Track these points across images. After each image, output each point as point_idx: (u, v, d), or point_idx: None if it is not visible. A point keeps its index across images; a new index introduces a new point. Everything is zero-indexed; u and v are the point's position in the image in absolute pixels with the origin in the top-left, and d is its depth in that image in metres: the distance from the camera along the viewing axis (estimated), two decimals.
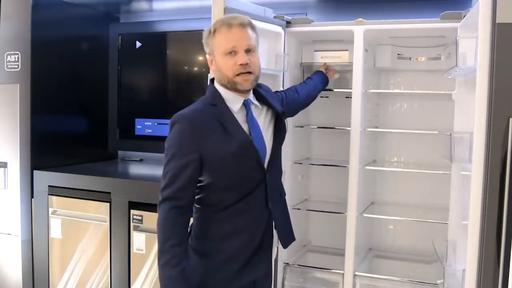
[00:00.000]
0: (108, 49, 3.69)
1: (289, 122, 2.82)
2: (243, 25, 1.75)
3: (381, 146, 3.05)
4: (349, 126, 2.61)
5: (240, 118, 1.80)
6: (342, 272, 2.66)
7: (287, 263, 2.84)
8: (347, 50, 2.83)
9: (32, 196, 3.11)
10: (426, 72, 2.89)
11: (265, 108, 1.91)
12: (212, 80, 1.86)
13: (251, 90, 1.84)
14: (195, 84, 3.46)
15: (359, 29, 2.56)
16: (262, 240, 1.84)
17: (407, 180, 2.97)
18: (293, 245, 3.03)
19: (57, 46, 3.33)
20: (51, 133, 3.30)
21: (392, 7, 2.99)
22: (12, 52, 3.13)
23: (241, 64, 1.73)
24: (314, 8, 3.27)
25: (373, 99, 2.90)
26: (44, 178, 3.09)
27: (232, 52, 1.73)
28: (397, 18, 2.67)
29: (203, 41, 1.81)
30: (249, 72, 1.75)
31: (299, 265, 2.86)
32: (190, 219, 1.75)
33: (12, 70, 3.13)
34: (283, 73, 2.69)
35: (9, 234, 3.15)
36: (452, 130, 2.39)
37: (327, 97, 3.14)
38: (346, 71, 2.92)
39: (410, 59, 2.89)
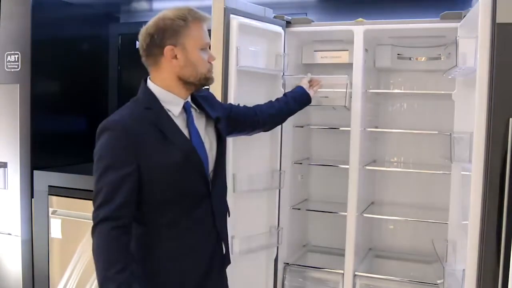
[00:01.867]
0: (108, 49, 3.69)
1: (289, 122, 2.82)
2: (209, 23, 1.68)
3: (381, 146, 3.05)
4: (349, 126, 2.61)
5: (180, 123, 1.61)
6: (342, 272, 2.66)
7: (287, 263, 2.84)
8: (347, 50, 2.83)
9: (32, 196, 3.11)
10: (426, 72, 2.89)
11: (203, 113, 1.72)
12: (145, 79, 1.66)
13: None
14: None
15: (359, 29, 2.56)
16: (211, 262, 1.65)
17: (407, 180, 2.97)
18: (293, 245, 3.05)
19: (57, 46, 3.32)
20: (51, 133, 3.30)
21: (392, 7, 2.99)
22: (12, 52, 3.12)
23: (210, 62, 1.65)
24: (314, 8, 3.27)
25: (373, 99, 2.90)
26: (44, 178, 3.08)
27: (205, 49, 1.63)
28: (397, 18, 2.67)
29: (165, 28, 1.56)
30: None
31: (299, 265, 2.86)
32: (131, 239, 1.53)
33: (12, 70, 3.12)
34: (283, 73, 2.69)
35: (9, 234, 3.15)
36: (452, 130, 2.39)
37: (327, 97, 3.13)
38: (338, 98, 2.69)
39: (410, 59, 2.89)
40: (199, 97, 1.72)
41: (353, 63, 2.59)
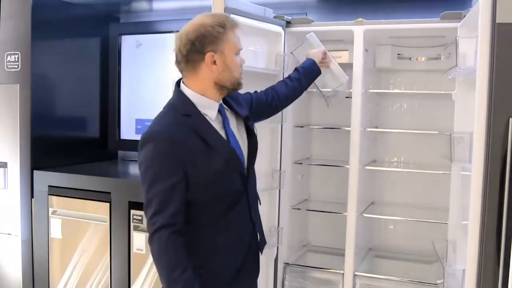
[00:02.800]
0: (108, 49, 3.69)
1: (289, 122, 2.83)
2: None
3: (381, 146, 3.05)
4: (349, 126, 2.61)
5: (217, 126, 1.68)
6: (342, 272, 2.66)
7: (287, 263, 2.84)
8: (347, 50, 2.83)
9: (32, 196, 3.11)
10: (426, 72, 2.89)
11: (233, 113, 1.80)
12: (178, 83, 1.70)
13: None
14: None
15: (359, 29, 2.56)
16: (248, 250, 1.76)
17: (407, 180, 2.97)
18: (293, 245, 3.05)
19: (57, 46, 3.32)
20: (51, 133, 3.30)
21: (392, 7, 2.99)
22: (12, 52, 3.12)
23: (242, 66, 1.73)
24: (314, 8, 3.27)
25: (373, 99, 2.90)
26: (44, 178, 3.09)
27: (238, 53, 1.72)
28: (397, 18, 2.67)
29: (206, 35, 1.60)
30: None
31: (299, 265, 2.86)
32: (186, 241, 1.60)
33: (12, 70, 3.13)
34: (283, 73, 2.69)
35: (9, 234, 3.15)
36: (452, 130, 2.39)
37: (327, 97, 3.14)
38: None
39: (410, 59, 2.89)
40: (227, 97, 1.79)
41: (353, 63, 2.59)
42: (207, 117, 1.65)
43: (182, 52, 1.63)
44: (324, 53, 2.42)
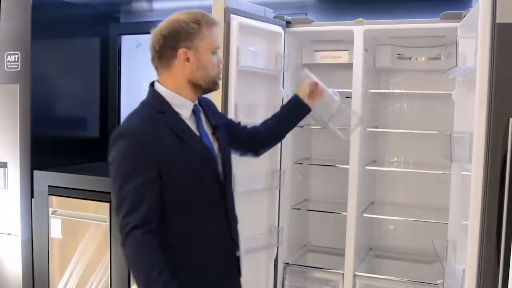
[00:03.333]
0: (108, 49, 3.69)
1: None
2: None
3: (381, 146, 3.05)
4: (349, 126, 2.60)
5: (191, 125, 1.62)
6: (342, 272, 2.66)
7: (287, 263, 2.84)
8: (347, 50, 2.83)
9: (32, 196, 3.11)
10: (426, 72, 2.89)
11: (206, 121, 1.72)
12: (152, 83, 1.65)
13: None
14: None
15: (359, 29, 2.56)
16: (227, 266, 1.70)
17: (407, 180, 2.97)
18: (293, 245, 3.05)
19: (57, 46, 3.32)
20: (51, 133, 3.30)
21: (392, 7, 2.99)
22: (12, 52, 3.12)
23: (219, 66, 1.67)
24: (314, 8, 3.27)
25: (373, 99, 2.90)
26: (44, 178, 3.08)
27: (215, 52, 1.64)
28: (397, 18, 2.68)
29: (180, 30, 1.57)
30: None
31: (299, 265, 2.86)
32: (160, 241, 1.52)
33: (12, 70, 3.12)
34: (283, 73, 2.69)
35: (9, 234, 3.15)
36: (452, 130, 2.39)
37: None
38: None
39: (410, 59, 2.89)
40: (202, 102, 1.74)
41: (353, 63, 2.59)
42: (181, 116, 1.60)
43: (155, 47, 1.60)
44: (315, 84, 2.10)
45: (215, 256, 1.64)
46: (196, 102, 1.68)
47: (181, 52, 1.57)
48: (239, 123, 2.02)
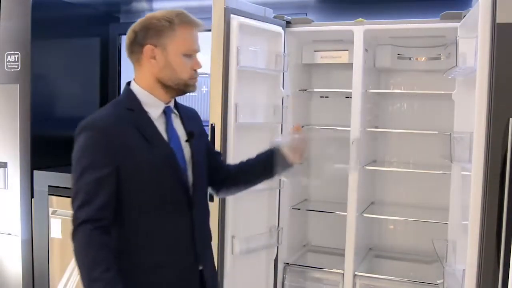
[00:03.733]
0: (108, 49, 3.69)
1: (289, 122, 2.82)
2: (201, 30, 1.59)
3: (381, 146, 3.05)
4: (349, 126, 2.61)
5: (159, 126, 1.56)
6: (342, 272, 2.66)
7: (287, 263, 2.84)
8: (347, 50, 2.83)
9: (32, 196, 3.11)
10: (426, 72, 2.89)
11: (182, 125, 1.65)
12: (129, 82, 1.61)
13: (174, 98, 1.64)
14: None
15: (359, 29, 2.56)
16: (187, 281, 1.56)
17: (407, 180, 2.97)
18: (293, 245, 3.05)
19: (57, 46, 3.32)
20: (51, 133, 3.30)
21: (392, 7, 2.99)
22: (12, 52, 3.12)
23: (195, 69, 1.57)
24: (314, 8, 3.27)
25: (373, 99, 2.90)
26: (44, 178, 3.08)
27: (191, 55, 1.56)
28: (397, 18, 2.68)
29: (149, 27, 1.53)
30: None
31: (299, 265, 2.86)
32: (112, 239, 1.46)
33: (12, 70, 3.12)
34: (283, 73, 2.69)
35: (9, 234, 3.15)
36: (452, 130, 2.39)
37: (327, 97, 3.14)
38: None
39: (410, 59, 2.89)
40: (183, 107, 1.68)
41: (353, 63, 2.59)
42: (149, 115, 1.55)
43: (127, 43, 1.57)
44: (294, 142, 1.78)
45: (169, 268, 1.53)
46: (170, 104, 1.61)
47: (147, 48, 1.53)
48: (218, 152, 1.92)
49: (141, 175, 1.48)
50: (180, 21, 1.54)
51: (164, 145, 1.54)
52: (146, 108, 1.55)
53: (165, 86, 1.57)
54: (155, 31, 1.52)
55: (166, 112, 1.59)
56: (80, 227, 1.40)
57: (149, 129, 1.52)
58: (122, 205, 1.48)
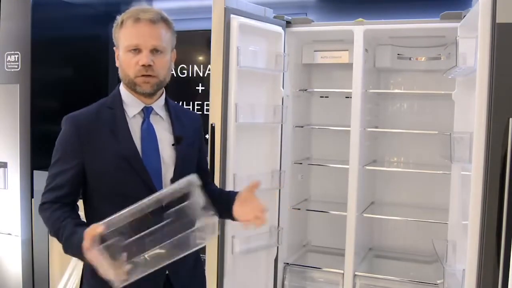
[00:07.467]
0: (108, 49, 3.68)
1: (289, 122, 2.83)
2: (153, 21, 1.53)
3: (381, 146, 3.05)
4: (349, 126, 2.61)
5: (134, 125, 1.54)
6: (342, 272, 2.66)
7: (287, 263, 2.84)
8: (347, 50, 2.83)
9: (32, 196, 3.11)
10: (426, 72, 2.89)
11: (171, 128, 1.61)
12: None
13: (160, 99, 1.61)
14: (194, 84, 3.46)
15: (359, 29, 2.56)
16: (153, 283, 1.49)
17: (407, 180, 2.97)
18: (293, 245, 3.05)
19: (57, 46, 3.32)
20: (51, 133, 3.27)
21: (392, 7, 2.99)
22: (12, 52, 3.12)
23: (143, 65, 1.50)
24: (314, 8, 3.27)
25: (373, 99, 2.90)
26: (44, 178, 3.04)
27: (136, 50, 1.51)
28: (397, 18, 2.68)
29: (113, 29, 1.60)
30: (150, 75, 1.52)
31: (299, 265, 2.86)
32: (76, 213, 1.55)
33: (12, 70, 3.13)
34: (283, 73, 2.69)
35: (9, 234, 3.15)
36: (452, 130, 2.39)
37: (327, 97, 3.14)
38: None
39: (410, 59, 2.89)
40: (179, 110, 1.67)
41: (353, 63, 2.59)
42: (126, 113, 1.56)
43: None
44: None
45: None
46: (153, 104, 1.58)
47: (115, 49, 1.61)
48: (206, 171, 1.84)
49: (102, 169, 1.51)
50: (127, 17, 1.56)
51: (129, 142, 1.52)
52: (125, 107, 1.58)
53: (125, 85, 1.60)
54: (114, 32, 1.60)
55: (144, 112, 1.58)
56: (41, 207, 1.59)
57: (120, 126, 1.54)
58: (89, 194, 1.57)
